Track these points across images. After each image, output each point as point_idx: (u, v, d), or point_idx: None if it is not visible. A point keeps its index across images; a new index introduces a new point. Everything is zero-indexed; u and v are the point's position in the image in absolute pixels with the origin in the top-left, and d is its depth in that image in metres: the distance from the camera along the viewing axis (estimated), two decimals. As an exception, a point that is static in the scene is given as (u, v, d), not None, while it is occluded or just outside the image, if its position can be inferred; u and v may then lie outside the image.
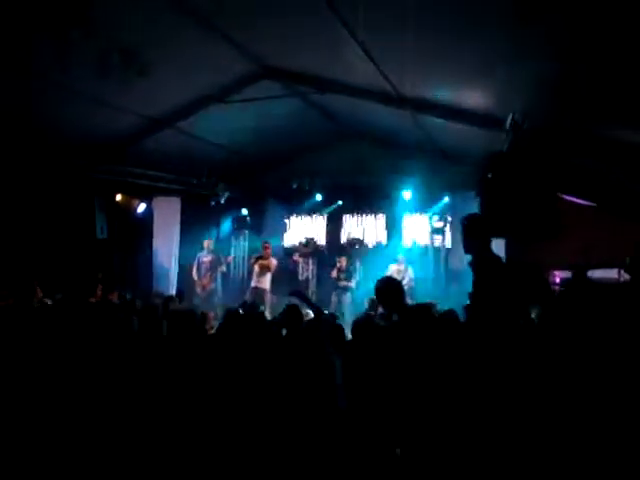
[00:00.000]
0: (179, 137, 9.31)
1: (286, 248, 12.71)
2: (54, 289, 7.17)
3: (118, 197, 10.71)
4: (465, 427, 3.04)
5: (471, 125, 7.57)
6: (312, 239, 12.62)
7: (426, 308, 4.29)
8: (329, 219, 12.56)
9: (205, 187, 10.80)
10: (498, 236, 5.07)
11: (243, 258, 12.34)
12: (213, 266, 10.88)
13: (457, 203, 10.62)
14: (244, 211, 12.54)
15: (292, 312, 4.64)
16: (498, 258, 3.93)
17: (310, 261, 12.49)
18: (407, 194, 11.06)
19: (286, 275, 12.16)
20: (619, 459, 2.61)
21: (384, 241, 12.18)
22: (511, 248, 8.09)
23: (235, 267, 12.48)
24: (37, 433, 3.17)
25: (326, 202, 12.12)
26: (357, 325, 4.68)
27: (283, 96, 8.47)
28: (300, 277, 12.58)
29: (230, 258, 11.82)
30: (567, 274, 7.24)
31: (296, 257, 12.49)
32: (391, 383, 3.36)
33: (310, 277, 12.43)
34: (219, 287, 11.29)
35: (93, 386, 3.38)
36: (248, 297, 9.94)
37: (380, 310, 6.53)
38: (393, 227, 12.06)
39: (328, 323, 5.20)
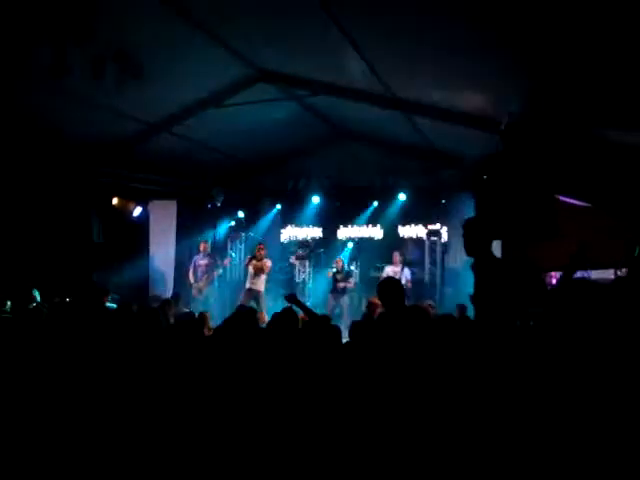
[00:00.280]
0: (175, 140, 9.32)
1: (283, 246, 12.73)
2: (50, 293, 7.17)
3: (114, 201, 10.70)
4: (464, 427, 3.05)
5: (466, 127, 7.58)
6: (308, 241, 12.63)
7: (423, 310, 4.32)
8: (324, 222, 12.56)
9: (201, 190, 10.80)
10: (494, 238, 5.09)
11: (240, 260, 12.33)
12: (210, 269, 10.87)
13: (453, 204, 10.65)
14: (240, 214, 12.55)
15: (287, 314, 4.64)
16: (499, 260, 3.97)
17: (307, 263, 12.49)
18: (403, 195, 11.08)
19: (283, 277, 12.21)
20: (619, 458, 2.61)
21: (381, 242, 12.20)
22: (507, 249, 8.11)
23: (232, 270, 12.47)
24: (35, 435, 3.17)
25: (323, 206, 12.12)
26: (355, 327, 4.68)
27: (278, 99, 8.49)
28: (297, 279, 12.59)
29: (227, 261, 11.82)
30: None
31: (292, 259, 12.50)
32: (388, 385, 3.37)
33: (307, 279, 12.44)
34: (216, 290, 11.29)
35: (90, 389, 3.37)
36: (243, 299, 9.93)
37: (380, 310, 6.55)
38: (389, 229, 12.08)
39: (322, 326, 5.21)
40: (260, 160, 11.61)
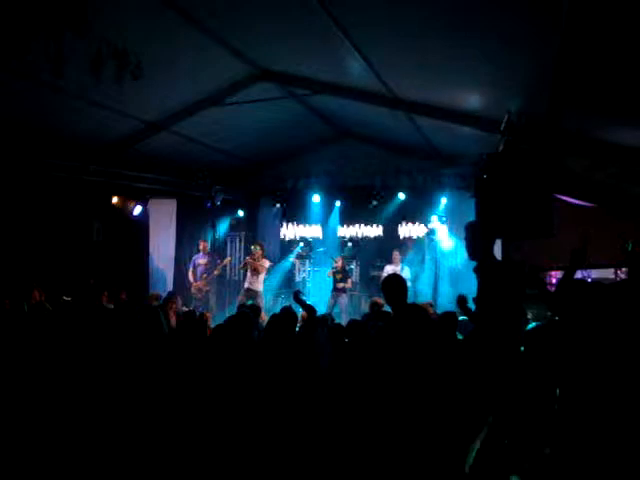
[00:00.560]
0: (175, 139, 9.30)
1: (283, 245, 12.74)
2: (50, 292, 7.17)
3: (114, 199, 10.69)
4: (463, 426, 3.05)
5: (467, 126, 7.58)
6: (308, 241, 12.65)
7: (422, 309, 4.32)
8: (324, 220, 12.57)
9: (201, 189, 10.80)
10: (495, 238, 5.11)
11: (239, 260, 12.33)
12: (209, 268, 10.87)
13: (453, 204, 10.65)
14: (240, 212, 12.55)
15: (287, 313, 4.65)
16: (502, 262, 4.00)
17: (307, 262, 12.49)
18: (403, 195, 11.08)
19: (283, 276, 12.23)
20: (620, 458, 2.61)
21: (381, 241, 12.23)
22: (507, 249, 8.11)
23: (231, 269, 12.47)
24: (33, 434, 3.16)
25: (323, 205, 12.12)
26: (352, 326, 4.69)
27: (279, 98, 8.47)
28: (297, 279, 12.59)
29: (226, 260, 11.82)
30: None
31: (292, 258, 12.50)
32: (386, 383, 3.37)
33: (307, 278, 12.44)
34: (215, 289, 11.29)
35: (90, 387, 3.37)
36: (241, 299, 9.95)
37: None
38: (388, 228, 12.09)
39: (322, 323, 5.22)
40: (260, 159, 11.61)
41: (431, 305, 8.00)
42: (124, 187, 10.29)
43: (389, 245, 11.75)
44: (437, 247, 11.02)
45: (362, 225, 12.39)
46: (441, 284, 10.74)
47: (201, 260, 10.91)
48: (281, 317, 4.61)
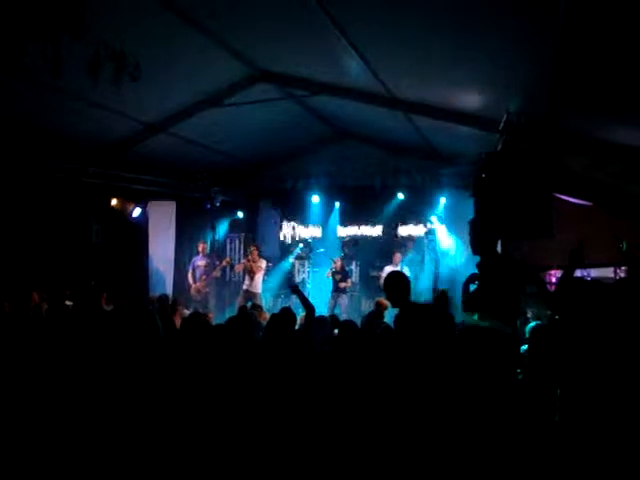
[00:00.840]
0: (174, 141, 9.30)
1: (282, 246, 12.75)
2: (49, 294, 7.16)
3: (113, 201, 10.68)
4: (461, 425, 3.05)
5: (466, 126, 7.58)
6: (308, 242, 12.64)
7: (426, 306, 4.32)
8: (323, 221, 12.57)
9: (200, 190, 10.80)
10: (498, 236, 5.14)
11: (239, 261, 12.33)
12: (208, 270, 10.87)
13: (452, 204, 10.65)
14: (239, 214, 12.55)
15: (286, 314, 4.65)
16: (505, 258, 4.01)
17: (306, 263, 12.49)
18: (402, 195, 11.08)
19: (282, 277, 12.21)
20: (620, 458, 2.61)
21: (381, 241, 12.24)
22: (507, 248, 8.11)
23: (231, 270, 12.46)
24: (32, 435, 3.16)
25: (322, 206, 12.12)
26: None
27: (278, 99, 8.47)
28: (296, 280, 12.58)
29: (225, 261, 11.81)
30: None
31: (291, 259, 12.50)
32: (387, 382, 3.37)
33: (306, 279, 12.44)
34: (214, 291, 11.28)
35: (85, 389, 3.36)
36: (240, 300, 9.96)
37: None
38: (388, 228, 12.09)
39: (323, 324, 5.21)
40: (259, 160, 11.61)
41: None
42: (123, 189, 10.29)
43: (388, 245, 11.76)
44: (437, 247, 11.01)
45: (362, 225, 12.39)
46: (441, 284, 10.73)
47: (200, 262, 10.91)
48: (280, 317, 4.62)
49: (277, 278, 12.19)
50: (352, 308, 10.98)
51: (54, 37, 4.44)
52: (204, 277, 10.72)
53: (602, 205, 8.09)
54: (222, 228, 12.65)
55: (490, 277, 3.95)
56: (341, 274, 10.71)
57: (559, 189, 7.52)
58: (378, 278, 10.72)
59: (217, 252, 11.96)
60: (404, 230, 11.89)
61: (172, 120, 8.63)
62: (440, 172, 10.33)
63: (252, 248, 10.41)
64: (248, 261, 10.27)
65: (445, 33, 5.43)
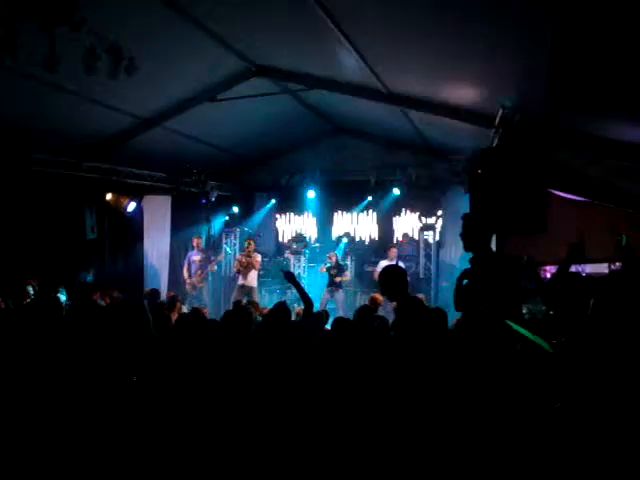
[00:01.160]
0: (169, 135, 9.27)
1: (278, 241, 12.74)
2: (43, 288, 7.13)
3: (108, 196, 10.63)
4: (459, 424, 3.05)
5: (461, 122, 7.59)
6: (303, 236, 12.64)
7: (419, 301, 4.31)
8: (319, 216, 12.59)
9: (195, 185, 10.78)
10: (492, 232, 5.14)
11: (234, 256, 12.32)
12: (204, 265, 10.85)
13: (447, 199, 10.67)
14: (235, 208, 12.53)
15: (280, 308, 4.66)
16: (498, 255, 3.98)
17: (302, 258, 12.49)
18: (397, 190, 11.09)
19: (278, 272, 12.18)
20: (620, 457, 2.62)
21: (376, 237, 12.26)
22: (502, 243, 8.13)
23: (226, 265, 12.45)
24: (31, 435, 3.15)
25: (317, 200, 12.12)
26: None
27: (273, 93, 8.46)
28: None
29: (221, 256, 11.79)
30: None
31: (287, 254, 12.50)
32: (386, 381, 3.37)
33: (302, 274, 12.43)
34: (210, 286, 11.27)
35: (78, 384, 3.36)
36: (235, 295, 9.94)
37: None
38: (384, 222, 12.11)
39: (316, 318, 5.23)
40: (255, 155, 11.60)
41: (424, 300, 8.03)
42: (118, 183, 10.25)
43: (384, 240, 11.78)
44: (432, 242, 11.03)
45: (357, 220, 12.41)
46: (437, 280, 10.76)
47: (195, 257, 10.89)
48: (275, 312, 4.62)
49: (272, 273, 12.18)
50: (347, 304, 10.98)
51: (50, 30, 4.42)
52: (199, 272, 10.70)
53: (597, 200, 8.12)
54: (218, 223, 12.63)
55: (482, 273, 3.92)
56: (337, 268, 10.71)
57: (554, 185, 7.53)
58: (373, 273, 10.74)
59: (213, 247, 11.94)
60: (399, 225, 11.92)
61: (168, 114, 8.60)
62: (436, 167, 10.35)
63: (249, 241, 10.38)
64: (245, 255, 10.25)
65: (441, 27, 5.43)
